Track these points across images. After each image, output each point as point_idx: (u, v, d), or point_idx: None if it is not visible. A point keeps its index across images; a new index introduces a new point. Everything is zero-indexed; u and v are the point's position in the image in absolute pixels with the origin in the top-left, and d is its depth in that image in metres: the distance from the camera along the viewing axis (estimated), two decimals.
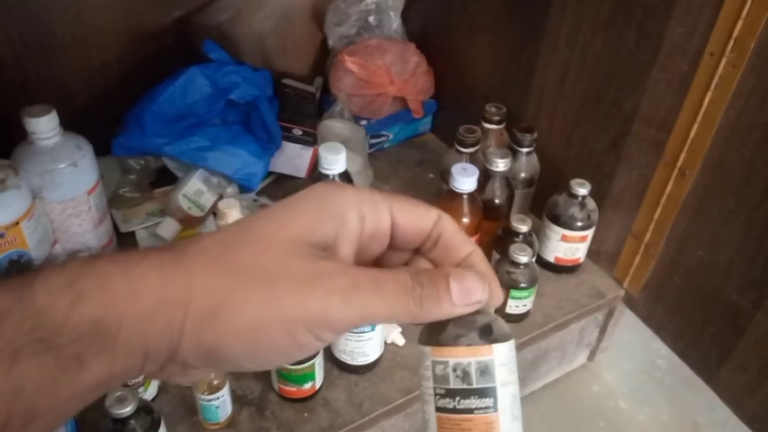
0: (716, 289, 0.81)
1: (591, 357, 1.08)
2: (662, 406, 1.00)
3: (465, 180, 0.83)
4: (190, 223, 0.99)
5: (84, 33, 0.98)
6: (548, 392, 1.05)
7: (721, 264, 0.79)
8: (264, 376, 0.80)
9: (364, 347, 0.78)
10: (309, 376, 0.76)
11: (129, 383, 0.73)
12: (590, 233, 0.92)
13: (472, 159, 0.95)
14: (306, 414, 0.78)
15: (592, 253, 0.97)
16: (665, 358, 0.97)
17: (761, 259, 0.74)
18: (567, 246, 0.93)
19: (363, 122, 1.15)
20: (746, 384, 0.80)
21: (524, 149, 0.95)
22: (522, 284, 0.85)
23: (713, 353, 0.84)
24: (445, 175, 0.98)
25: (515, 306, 0.87)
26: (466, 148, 0.95)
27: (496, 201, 0.91)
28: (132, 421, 0.64)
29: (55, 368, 0.24)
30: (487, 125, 0.99)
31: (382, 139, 1.20)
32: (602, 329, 1.03)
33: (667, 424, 0.99)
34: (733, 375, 0.82)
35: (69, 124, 0.81)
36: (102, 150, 0.89)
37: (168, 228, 0.96)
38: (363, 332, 0.76)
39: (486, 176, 0.89)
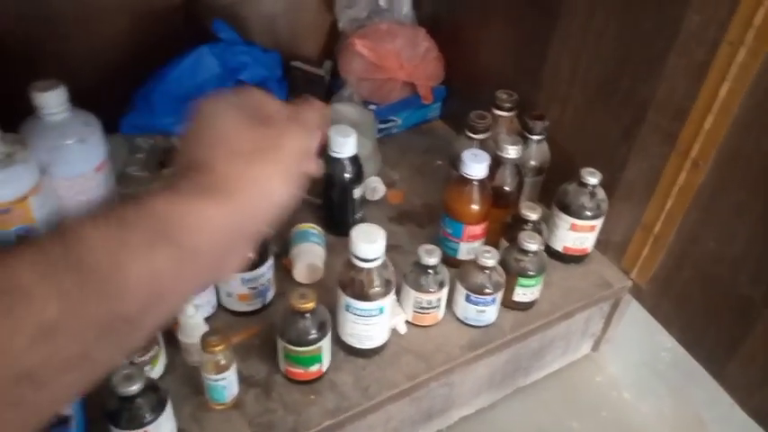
0: (726, 282, 0.80)
1: (595, 348, 1.08)
2: (665, 398, 1.00)
3: (476, 166, 0.83)
4: None
5: (90, 11, 0.97)
6: (551, 382, 1.05)
7: (733, 256, 0.79)
8: (271, 358, 0.80)
9: (371, 331, 0.78)
10: (316, 358, 0.76)
11: (135, 360, 0.72)
12: (599, 223, 0.92)
13: (482, 146, 0.94)
14: (312, 396, 0.77)
15: (599, 243, 0.96)
16: (668, 351, 0.97)
17: None
18: (576, 235, 0.92)
19: (372, 107, 1.14)
20: (755, 378, 0.80)
21: (535, 137, 0.94)
22: (531, 272, 0.85)
23: (721, 346, 0.84)
24: (455, 162, 0.97)
25: (523, 294, 0.87)
26: (477, 134, 0.94)
27: (506, 188, 0.90)
28: (139, 399, 0.64)
29: (179, 257, 0.32)
30: (498, 112, 0.98)
31: (390, 124, 1.19)
32: (608, 320, 1.02)
33: (670, 416, 0.99)
34: (741, 369, 0.82)
35: (75, 102, 0.80)
36: (108, 129, 0.88)
37: None
38: (371, 316, 0.76)
39: (496, 163, 0.88)
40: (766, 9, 0.67)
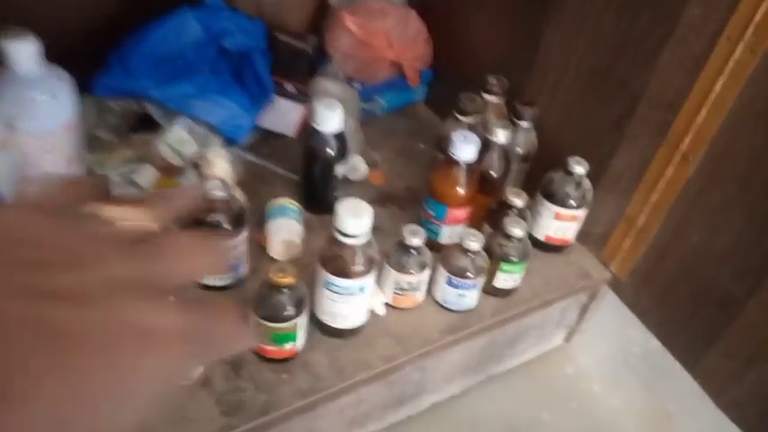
0: (709, 276, 0.81)
1: (567, 339, 1.08)
2: (635, 392, 1.00)
3: (465, 148, 0.81)
4: (169, 172, 0.94)
5: None
6: (522, 371, 1.04)
7: (717, 251, 0.79)
8: None
9: (349, 310, 0.76)
10: (291, 336, 0.73)
11: None
12: (583, 213, 0.91)
13: (470, 130, 0.93)
14: (284, 375, 0.75)
15: (581, 234, 0.96)
16: (639, 345, 0.97)
17: (760, 248, 0.74)
18: (559, 224, 0.92)
19: (357, 86, 1.11)
20: (732, 372, 0.80)
21: (524, 124, 0.93)
22: (514, 258, 0.83)
23: (699, 340, 0.84)
24: (441, 144, 0.95)
25: (504, 280, 0.86)
26: (465, 116, 0.92)
27: (493, 173, 0.88)
28: None
29: None
30: (488, 96, 0.96)
31: (374, 104, 1.16)
32: (583, 311, 1.02)
33: (640, 410, 0.99)
34: (718, 363, 0.82)
35: (46, 59, 0.75)
36: (80, 90, 0.83)
37: (145, 175, 0.91)
38: (351, 294, 0.73)
39: (484, 148, 0.86)
40: (767, 6, 0.67)
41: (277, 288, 0.69)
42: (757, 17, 0.68)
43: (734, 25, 0.70)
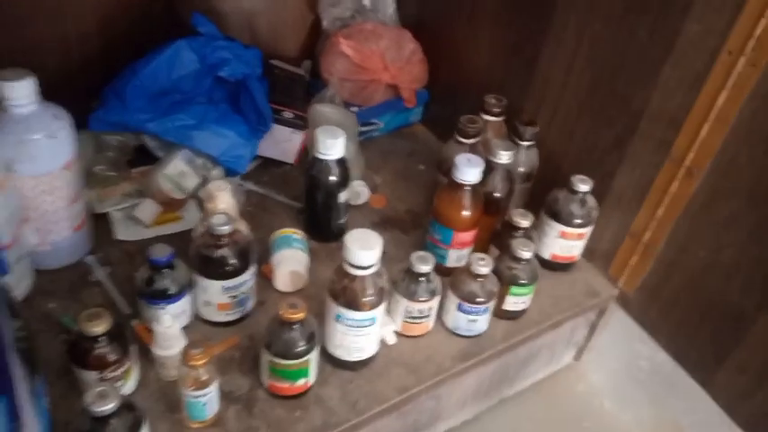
0: (717, 290, 0.80)
1: (577, 357, 1.07)
2: (645, 407, 0.99)
3: (470, 171, 0.81)
4: (170, 206, 0.93)
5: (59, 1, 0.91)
6: (533, 392, 1.03)
7: (724, 265, 0.79)
8: (252, 372, 0.75)
9: (361, 342, 0.74)
10: (303, 372, 0.72)
11: (106, 376, 0.67)
12: (589, 231, 0.91)
13: (471, 151, 0.92)
14: (297, 412, 0.73)
15: (586, 251, 0.95)
16: (647, 360, 0.97)
17: (767, 262, 0.74)
18: (565, 243, 0.91)
19: (354, 109, 1.10)
20: (744, 387, 0.80)
21: (525, 143, 0.92)
22: (523, 281, 0.83)
23: (710, 354, 0.83)
24: (443, 167, 0.95)
25: (514, 303, 0.85)
26: (467, 138, 0.92)
27: (497, 194, 0.88)
28: (113, 420, 0.58)
29: None
30: (487, 117, 0.96)
31: (372, 127, 1.16)
32: (592, 329, 1.01)
33: (651, 425, 0.98)
34: (730, 378, 0.81)
35: (42, 96, 0.74)
36: (76, 125, 0.82)
37: (147, 209, 0.90)
38: (363, 326, 0.72)
39: (487, 169, 0.86)
40: (767, 20, 0.67)
41: (288, 324, 0.68)
42: (758, 31, 0.68)
43: (734, 39, 0.71)
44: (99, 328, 0.64)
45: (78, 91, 0.89)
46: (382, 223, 1.00)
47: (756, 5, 0.67)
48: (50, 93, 0.76)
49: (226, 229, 0.72)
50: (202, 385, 0.67)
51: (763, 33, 0.68)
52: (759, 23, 0.68)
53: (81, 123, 0.87)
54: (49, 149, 0.74)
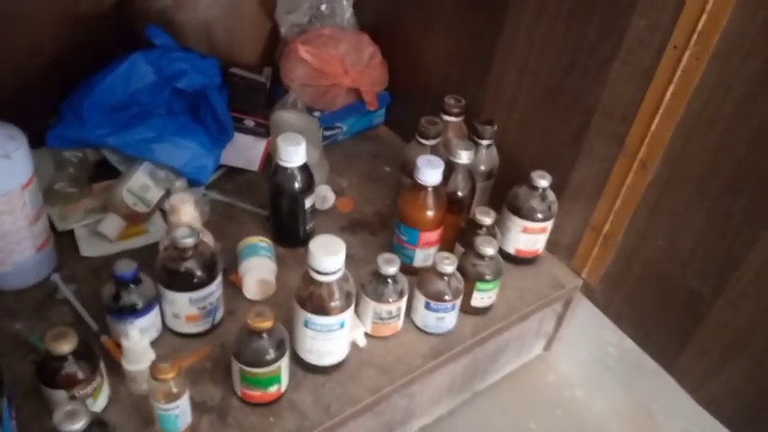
0: (675, 277, 0.83)
1: (547, 347, 1.09)
2: (616, 393, 1.02)
3: (431, 172, 0.82)
4: (135, 220, 0.92)
5: (11, 13, 0.89)
6: (505, 384, 1.05)
7: (681, 253, 0.81)
8: (225, 381, 0.76)
9: (331, 346, 0.75)
10: (275, 379, 0.72)
11: (76, 394, 0.66)
12: (550, 224, 0.93)
13: (433, 151, 0.94)
14: (271, 418, 0.74)
15: (549, 244, 0.97)
16: (615, 346, 0.99)
17: (721, 248, 0.76)
18: (528, 237, 0.93)
19: (316, 114, 1.11)
20: (706, 369, 0.82)
21: (485, 142, 0.94)
22: (488, 277, 0.84)
23: (673, 340, 0.86)
24: (406, 168, 0.96)
25: (481, 299, 0.86)
26: (428, 139, 0.93)
27: (459, 194, 0.89)
28: None
29: None
30: (447, 117, 0.97)
31: (336, 131, 1.16)
32: (560, 319, 1.04)
33: (622, 411, 1.01)
34: (693, 361, 0.84)
35: None
36: (32, 144, 0.80)
37: (112, 225, 0.90)
38: (332, 330, 0.73)
39: (448, 169, 0.87)
40: (708, 15, 0.70)
41: (257, 333, 0.68)
42: (699, 26, 0.71)
43: (678, 34, 0.73)
44: (66, 347, 0.64)
45: (34, 108, 0.88)
46: (350, 226, 1.01)
47: (697, 0, 0.70)
48: (4, 111, 0.75)
49: (190, 241, 0.73)
50: (174, 398, 0.67)
51: (705, 28, 0.70)
52: (701, 18, 0.70)
53: (39, 141, 0.87)
54: (5, 170, 0.73)
